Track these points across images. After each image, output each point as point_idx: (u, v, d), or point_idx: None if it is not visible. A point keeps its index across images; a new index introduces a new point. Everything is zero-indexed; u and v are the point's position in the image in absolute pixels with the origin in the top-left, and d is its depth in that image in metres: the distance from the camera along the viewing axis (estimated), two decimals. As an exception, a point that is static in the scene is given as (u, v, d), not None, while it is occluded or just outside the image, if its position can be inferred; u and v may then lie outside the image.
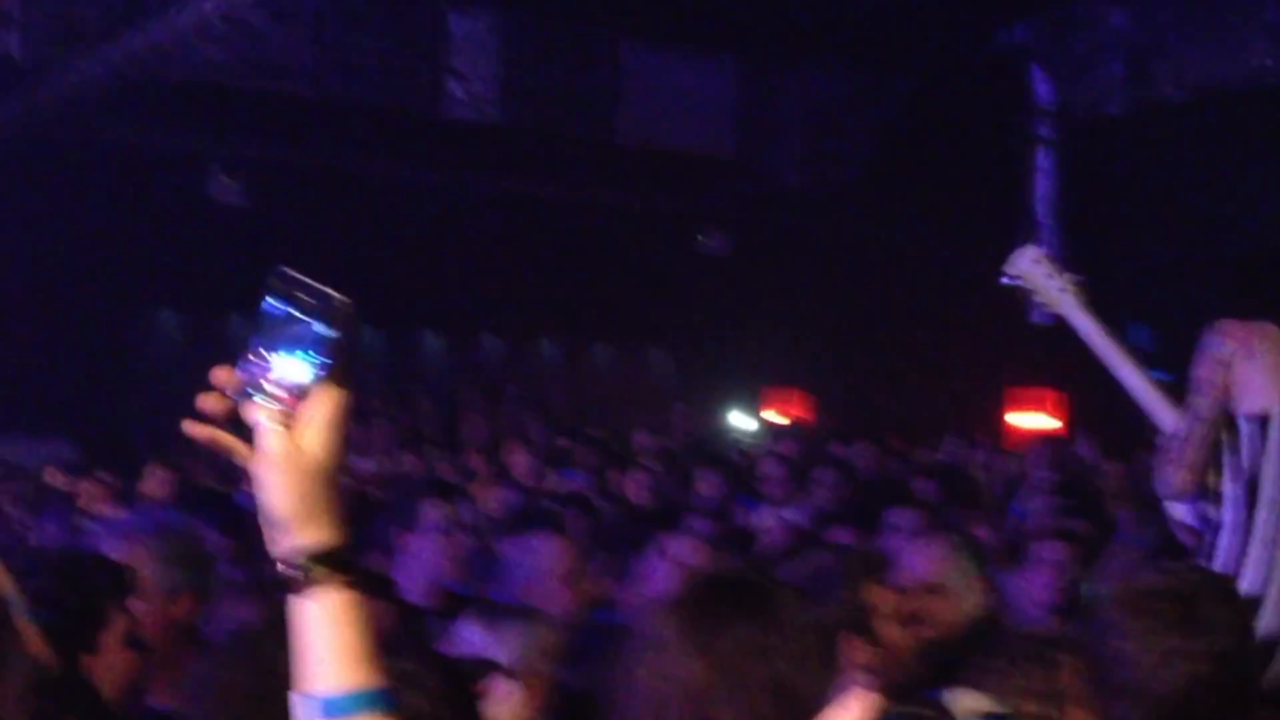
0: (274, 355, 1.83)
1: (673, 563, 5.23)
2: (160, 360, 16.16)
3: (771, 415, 15.94)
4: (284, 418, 1.82)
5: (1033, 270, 5.23)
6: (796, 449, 11.87)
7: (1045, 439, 11.25)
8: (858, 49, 15.08)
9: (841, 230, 16.68)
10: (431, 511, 5.53)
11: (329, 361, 1.84)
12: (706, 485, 10.13)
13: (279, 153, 14.99)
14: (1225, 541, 4.73)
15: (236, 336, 16.84)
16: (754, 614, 2.60)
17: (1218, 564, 4.63)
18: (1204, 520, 4.93)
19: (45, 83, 12.49)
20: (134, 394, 15.79)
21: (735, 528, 8.49)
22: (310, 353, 1.83)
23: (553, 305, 16.90)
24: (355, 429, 13.25)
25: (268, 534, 1.84)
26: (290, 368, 1.83)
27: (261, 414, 1.82)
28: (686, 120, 15.27)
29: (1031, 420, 15.04)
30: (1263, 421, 4.74)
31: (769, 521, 8.77)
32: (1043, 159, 14.69)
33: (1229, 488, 4.78)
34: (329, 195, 15.47)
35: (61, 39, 12.45)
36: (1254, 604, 4.36)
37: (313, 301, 1.84)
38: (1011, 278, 5.27)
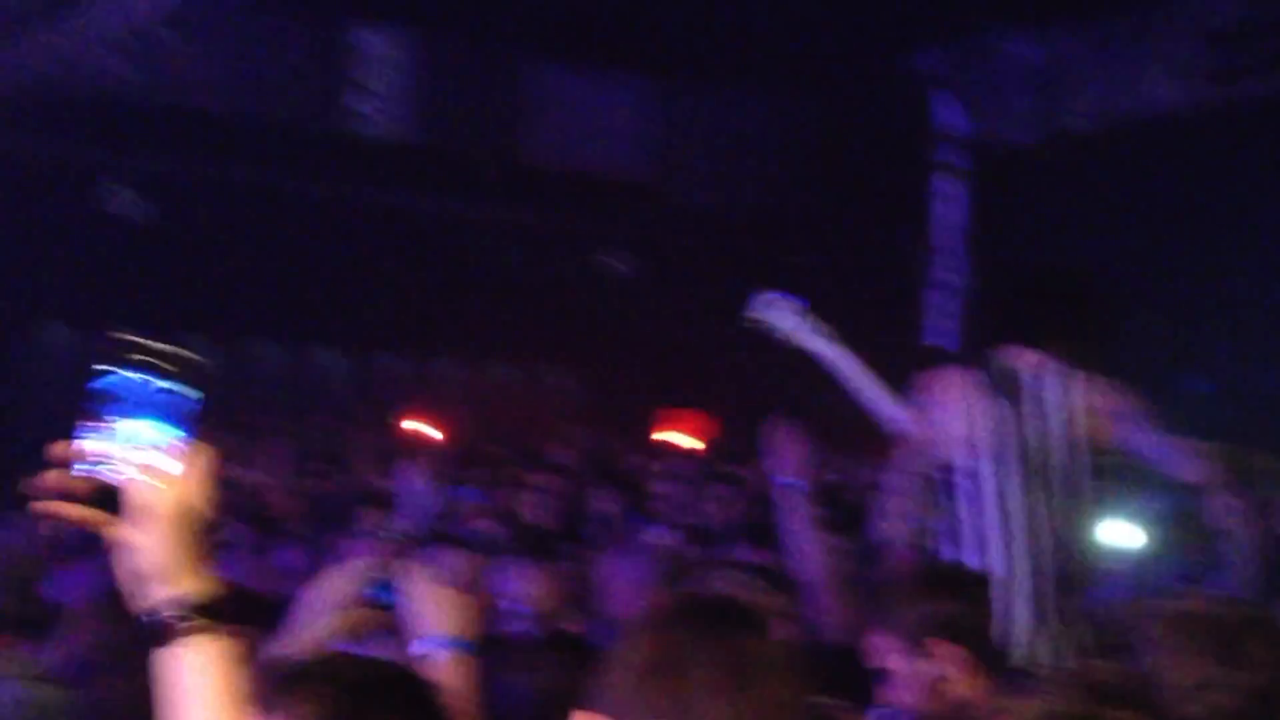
0: (132, 420, 1.85)
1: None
2: (52, 376, 15.87)
3: (669, 436, 15.84)
4: (153, 474, 1.84)
5: (770, 311, 5.73)
6: (692, 469, 11.87)
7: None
8: (767, 73, 15.10)
9: (749, 253, 16.66)
10: (367, 519, 5.52)
11: (192, 419, 1.86)
12: (603, 504, 10.15)
13: (183, 167, 14.78)
14: None
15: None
16: (732, 639, 2.50)
17: None
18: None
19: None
20: (21, 409, 15.50)
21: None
22: (171, 412, 1.86)
23: (454, 324, 16.76)
24: (250, 445, 13.07)
25: (139, 588, 1.85)
26: (152, 429, 1.85)
27: (134, 471, 1.84)
28: (596, 142, 15.24)
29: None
30: (966, 471, 5.04)
31: (655, 540, 8.80)
32: (950, 186, 14.76)
33: (951, 529, 5.11)
34: (233, 211, 15.26)
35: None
36: None
37: (169, 365, 1.85)
38: (753, 320, 5.74)
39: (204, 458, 1.89)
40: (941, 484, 5.13)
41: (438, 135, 14.57)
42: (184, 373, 1.85)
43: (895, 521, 5.23)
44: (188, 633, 1.86)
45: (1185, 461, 5.01)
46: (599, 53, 14.87)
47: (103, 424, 1.84)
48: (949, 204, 14.74)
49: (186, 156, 14.63)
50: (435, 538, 7.10)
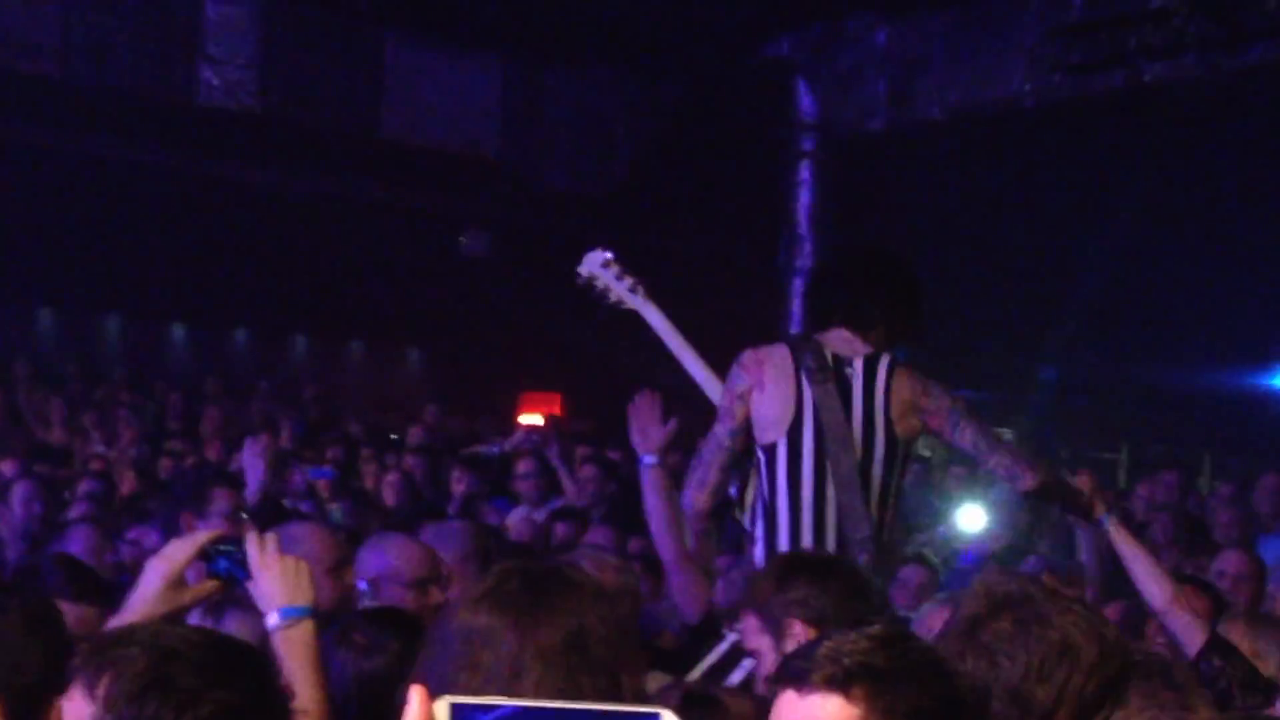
0: None
1: None
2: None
3: (528, 418, 15.80)
4: None
5: (602, 272, 5.76)
6: (556, 449, 11.88)
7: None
8: (626, 54, 15.08)
9: (605, 234, 16.60)
10: (221, 499, 5.44)
11: None
12: (460, 484, 10.13)
13: (21, 133, 14.38)
14: (758, 553, 5.16)
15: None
16: (536, 618, 2.55)
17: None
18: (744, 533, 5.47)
19: None
20: None
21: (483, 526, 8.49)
22: None
23: (306, 301, 16.54)
24: (99, 419, 12.82)
25: None
26: None
27: None
28: (450, 118, 15.09)
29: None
30: (767, 448, 5.14)
31: (515, 520, 8.82)
32: (804, 170, 14.84)
33: (758, 508, 5.21)
34: (74, 179, 14.88)
35: None
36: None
37: None
38: (584, 278, 5.78)
39: None
40: (757, 459, 5.20)
41: (289, 107, 14.33)
42: None
43: (699, 490, 5.27)
44: None
45: (1008, 463, 5.14)
46: (455, 27, 14.74)
47: None
48: (806, 190, 14.82)
49: (26, 124, 14.24)
50: (291, 516, 7.02)
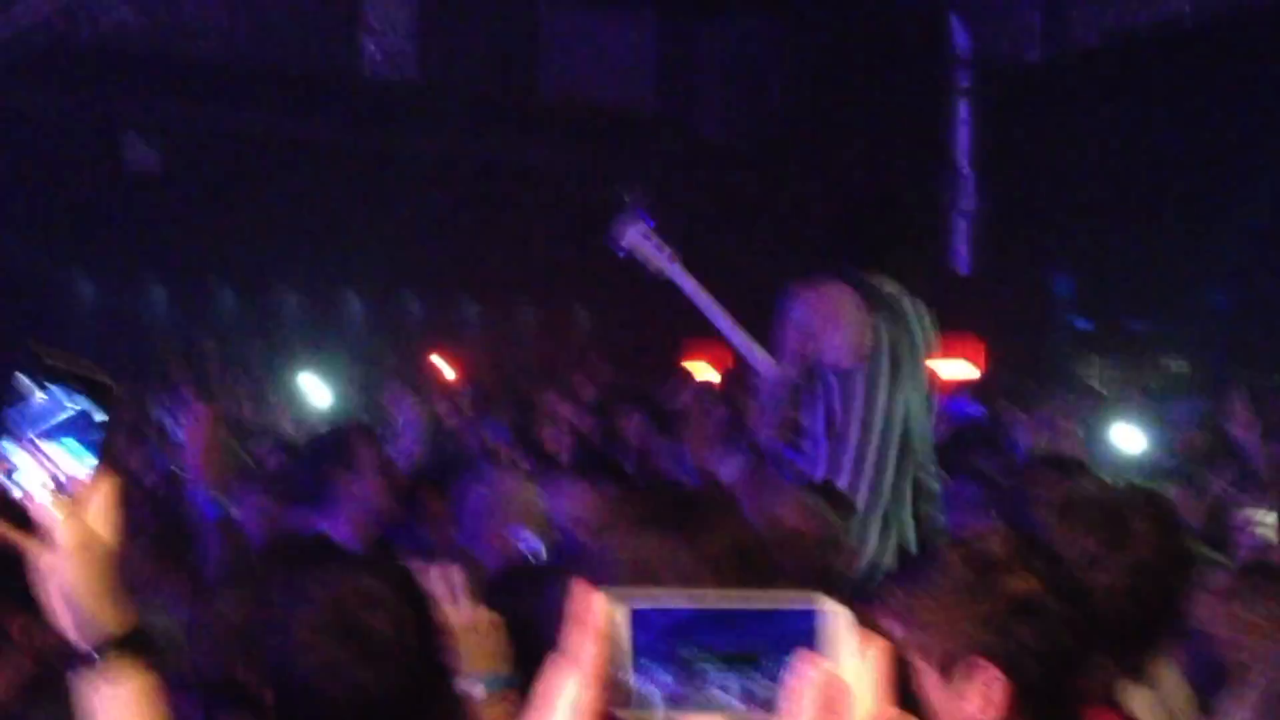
0: (44, 442, 1.75)
1: None
2: (77, 328, 15.90)
3: (696, 367, 15.86)
4: (67, 505, 1.75)
5: (641, 243, 6.00)
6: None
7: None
8: (776, 2, 15.01)
9: (764, 182, 16.63)
10: (366, 452, 5.55)
11: (102, 444, 1.76)
12: (633, 429, 10.23)
13: (194, 116, 14.75)
14: (820, 471, 5.42)
15: (154, 305, 16.70)
16: (678, 527, 2.60)
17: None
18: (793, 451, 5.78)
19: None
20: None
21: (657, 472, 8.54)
22: (82, 436, 1.75)
23: (473, 264, 16.73)
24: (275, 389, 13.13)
25: (67, 625, 1.81)
26: (63, 452, 1.75)
27: (48, 503, 1.75)
28: (607, 75, 15.17)
29: (954, 368, 15.00)
30: (843, 374, 5.41)
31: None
32: (962, 107, 14.69)
33: (811, 425, 5.49)
34: (246, 158, 15.23)
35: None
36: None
37: (79, 383, 1.75)
38: (624, 250, 6.02)
39: (110, 484, 1.78)
40: (807, 388, 5.48)
41: (448, 74, 14.50)
42: (94, 394, 1.74)
43: (775, 429, 5.62)
44: (117, 671, 1.81)
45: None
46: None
47: (20, 440, 1.74)
48: (963, 126, 14.68)
49: (195, 104, 14.58)
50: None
